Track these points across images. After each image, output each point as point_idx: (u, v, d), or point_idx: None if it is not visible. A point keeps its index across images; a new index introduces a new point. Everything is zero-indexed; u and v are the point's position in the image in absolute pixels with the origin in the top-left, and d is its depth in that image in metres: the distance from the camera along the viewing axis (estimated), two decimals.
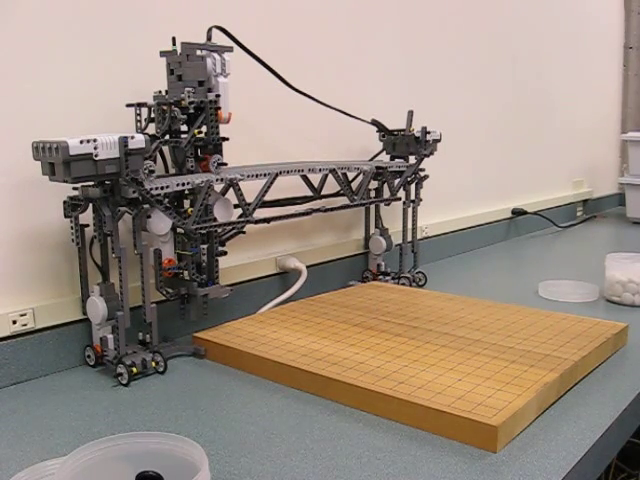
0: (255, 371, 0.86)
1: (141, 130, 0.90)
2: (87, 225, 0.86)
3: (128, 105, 0.90)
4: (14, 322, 0.84)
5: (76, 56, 0.89)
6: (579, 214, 2.28)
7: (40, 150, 0.76)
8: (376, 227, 1.30)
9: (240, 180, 0.94)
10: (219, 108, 0.91)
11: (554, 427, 0.70)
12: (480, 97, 1.73)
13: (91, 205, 0.84)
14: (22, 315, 0.85)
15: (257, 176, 0.97)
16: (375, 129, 1.29)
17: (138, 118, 0.91)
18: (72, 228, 0.86)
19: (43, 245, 0.88)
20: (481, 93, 1.73)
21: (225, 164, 0.94)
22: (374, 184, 1.25)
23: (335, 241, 1.31)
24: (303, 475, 0.61)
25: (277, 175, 0.99)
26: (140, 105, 0.90)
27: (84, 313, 0.88)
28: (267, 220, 1.00)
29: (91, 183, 0.80)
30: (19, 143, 0.84)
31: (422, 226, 1.50)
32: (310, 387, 0.80)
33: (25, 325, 0.85)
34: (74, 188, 0.84)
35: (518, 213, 1.88)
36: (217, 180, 0.91)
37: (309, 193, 1.15)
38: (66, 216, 0.85)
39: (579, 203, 2.28)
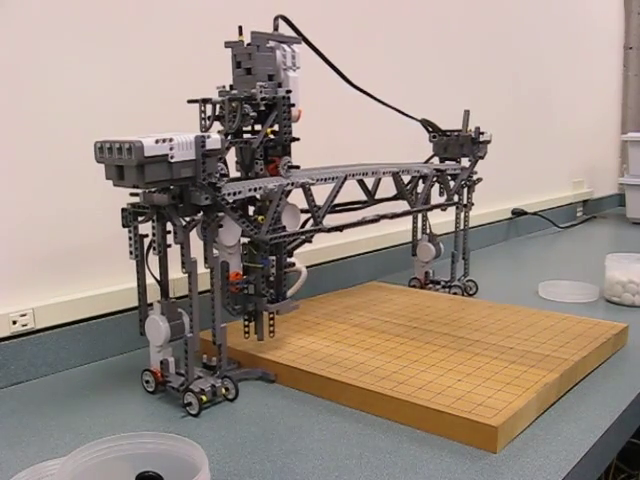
0: None
1: (205, 129, 0.82)
2: (146, 235, 0.77)
3: (190, 101, 0.81)
4: (14, 322, 0.84)
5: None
6: (579, 214, 2.28)
7: (106, 151, 0.68)
8: (423, 233, 1.23)
9: (311, 184, 0.86)
10: (293, 105, 0.83)
11: (554, 427, 0.70)
12: (480, 97, 1.73)
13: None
14: (22, 315, 0.85)
15: (326, 180, 0.90)
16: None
17: (202, 116, 0.81)
18: (131, 239, 0.77)
19: (43, 245, 0.88)
20: (481, 93, 1.73)
21: (297, 167, 0.85)
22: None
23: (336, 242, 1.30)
24: (303, 475, 0.61)
25: (345, 178, 0.92)
26: (205, 101, 0.81)
27: (141, 333, 0.79)
28: (340, 228, 0.93)
29: (151, 188, 0.72)
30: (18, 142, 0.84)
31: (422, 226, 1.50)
32: (310, 387, 0.80)
33: (25, 325, 0.85)
34: (132, 194, 0.75)
35: (518, 213, 1.88)
36: (289, 185, 0.83)
37: (351, 198, 1.06)
38: (125, 225, 0.77)
39: (579, 203, 2.28)
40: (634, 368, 0.87)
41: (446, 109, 1.61)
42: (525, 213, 1.89)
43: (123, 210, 0.77)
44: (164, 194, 0.71)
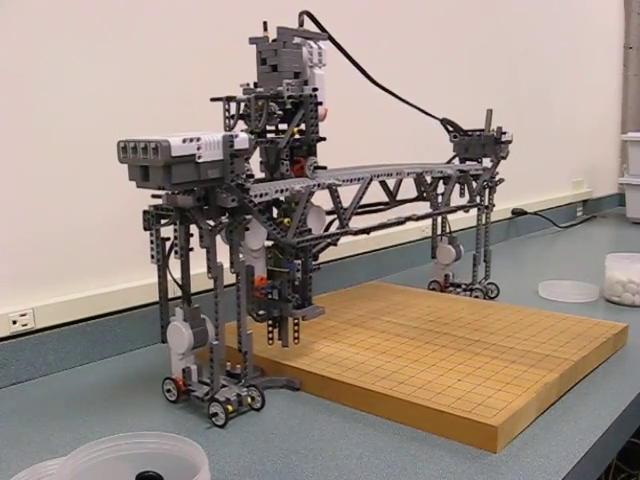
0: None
1: (230, 128, 0.78)
2: (168, 238, 0.75)
3: (213, 99, 0.79)
4: (14, 322, 0.84)
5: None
6: (579, 214, 2.28)
7: (130, 151, 0.65)
8: (442, 234, 1.21)
9: (338, 186, 0.84)
10: (320, 103, 0.81)
11: (554, 427, 0.70)
12: (479, 97, 1.73)
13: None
14: (22, 315, 0.85)
15: (351, 181, 0.87)
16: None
17: (227, 114, 0.78)
18: (152, 242, 0.74)
19: (43, 244, 0.88)
20: (480, 93, 1.73)
21: (324, 167, 0.83)
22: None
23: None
24: (303, 475, 0.61)
25: (371, 180, 0.90)
26: (229, 99, 0.77)
27: (163, 340, 0.77)
28: (367, 231, 0.90)
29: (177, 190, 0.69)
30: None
31: (422, 226, 1.50)
32: (310, 387, 0.80)
33: (25, 325, 0.85)
34: (154, 196, 0.72)
35: (518, 213, 1.88)
36: (316, 186, 0.81)
37: (369, 199, 1.01)
38: (147, 229, 0.74)
39: (579, 203, 2.28)
40: (634, 368, 0.87)
41: (446, 109, 1.61)
42: (525, 213, 1.89)
43: (145, 212, 0.74)
44: (188, 196, 0.69)
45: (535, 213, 1.93)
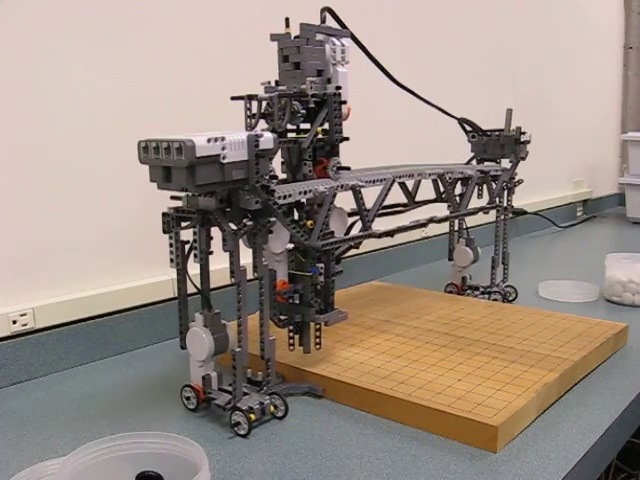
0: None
1: (251, 128, 0.75)
2: (187, 241, 0.72)
3: (234, 98, 0.76)
4: (14, 322, 0.84)
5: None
6: (579, 214, 2.28)
7: (152, 151, 0.63)
8: (460, 237, 1.19)
9: (362, 187, 0.82)
10: (344, 102, 0.80)
11: (554, 427, 0.70)
12: (479, 97, 1.73)
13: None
14: (22, 315, 0.85)
15: (374, 182, 0.86)
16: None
17: (248, 113, 0.75)
18: (171, 246, 0.72)
19: (43, 245, 0.88)
20: (480, 93, 1.73)
21: (347, 168, 0.82)
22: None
23: None
24: (303, 475, 0.61)
25: (394, 181, 0.88)
26: (251, 98, 0.74)
27: (182, 347, 0.74)
28: (391, 233, 0.89)
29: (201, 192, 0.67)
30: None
31: None
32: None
33: (25, 325, 0.85)
34: (173, 197, 0.70)
35: (518, 213, 1.88)
36: (339, 187, 0.79)
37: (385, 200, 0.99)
38: (166, 231, 0.72)
39: (579, 203, 2.28)
40: (634, 368, 0.87)
41: (446, 109, 1.61)
42: (525, 213, 1.89)
43: (164, 215, 0.72)
44: (210, 198, 0.67)
45: (535, 213, 1.93)
